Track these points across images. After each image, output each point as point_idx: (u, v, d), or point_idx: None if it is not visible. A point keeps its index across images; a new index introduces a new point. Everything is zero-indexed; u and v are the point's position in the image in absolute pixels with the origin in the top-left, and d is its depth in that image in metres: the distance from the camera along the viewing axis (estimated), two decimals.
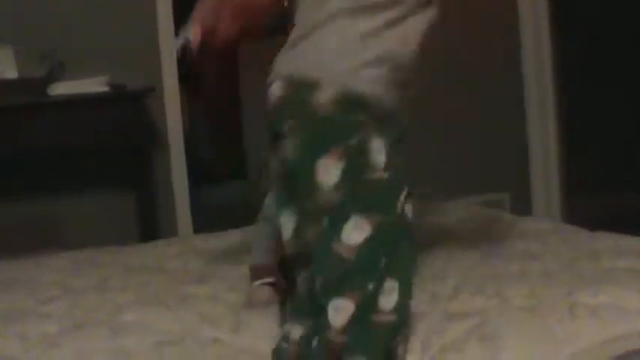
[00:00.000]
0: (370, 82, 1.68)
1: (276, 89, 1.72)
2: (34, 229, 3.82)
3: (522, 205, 4.64)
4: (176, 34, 3.93)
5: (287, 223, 1.65)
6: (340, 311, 1.57)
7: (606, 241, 2.48)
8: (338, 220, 1.58)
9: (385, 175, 1.65)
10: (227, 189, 6.42)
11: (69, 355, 1.85)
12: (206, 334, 1.95)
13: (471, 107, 4.60)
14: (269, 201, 2.19)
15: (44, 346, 1.91)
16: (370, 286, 1.58)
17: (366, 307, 1.59)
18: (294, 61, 1.73)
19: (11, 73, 3.65)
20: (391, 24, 1.71)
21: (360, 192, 1.61)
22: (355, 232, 1.59)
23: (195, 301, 2.21)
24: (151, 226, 3.72)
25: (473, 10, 4.55)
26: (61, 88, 3.57)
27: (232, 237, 2.94)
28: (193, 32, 1.90)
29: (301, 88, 1.66)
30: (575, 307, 1.90)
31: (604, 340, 1.81)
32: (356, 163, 1.61)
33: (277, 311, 2.06)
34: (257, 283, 2.18)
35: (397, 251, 1.65)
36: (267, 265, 2.17)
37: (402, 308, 1.64)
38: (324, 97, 1.64)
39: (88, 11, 3.90)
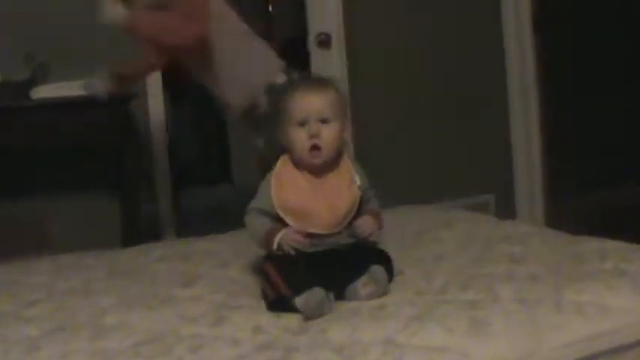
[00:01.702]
0: None
1: None
2: (16, 231, 3.81)
3: (507, 207, 4.67)
4: None
5: None
6: None
7: (590, 244, 2.50)
8: None
9: None
10: (211, 192, 6.42)
11: (49, 357, 1.84)
12: (185, 331, 1.95)
13: (454, 110, 4.63)
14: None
15: (25, 349, 1.90)
16: None
17: None
18: None
19: None
20: None
21: None
22: None
23: (177, 302, 2.20)
24: (134, 230, 3.70)
25: (456, 13, 4.58)
26: (43, 92, 3.55)
27: (217, 240, 2.95)
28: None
29: None
30: (561, 303, 1.93)
31: (588, 335, 1.83)
32: None
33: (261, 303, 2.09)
34: (280, 234, 2.15)
35: None
36: (279, 225, 2.17)
37: None
38: None
39: (71, 14, 3.89)
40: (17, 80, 3.58)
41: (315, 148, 2.18)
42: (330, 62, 4.24)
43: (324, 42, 4.23)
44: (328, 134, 2.18)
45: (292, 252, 2.11)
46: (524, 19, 4.67)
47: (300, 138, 2.18)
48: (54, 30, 3.86)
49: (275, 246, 2.13)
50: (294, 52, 5.94)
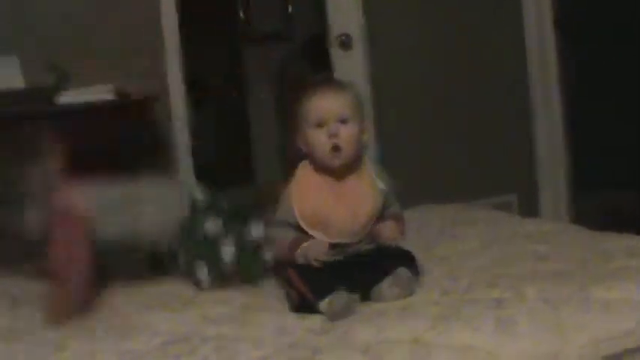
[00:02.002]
0: None
1: None
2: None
3: (530, 207, 4.64)
4: (181, 41, 3.97)
5: None
6: None
7: (616, 241, 2.48)
8: None
9: None
10: (233, 194, 6.42)
11: (75, 357, 1.85)
12: (210, 331, 1.96)
13: (477, 109, 4.61)
14: None
15: (51, 349, 1.92)
16: None
17: None
18: None
19: (18, 83, 3.66)
20: None
21: None
22: None
23: (201, 304, 2.21)
24: None
25: (476, 12, 4.57)
26: (68, 97, 3.57)
27: None
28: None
29: None
30: (588, 301, 1.91)
31: (615, 333, 1.81)
32: None
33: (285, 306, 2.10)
34: (303, 245, 2.14)
35: None
36: (301, 236, 2.16)
37: None
38: None
39: (93, 20, 3.92)
40: (41, 86, 3.60)
41: (335, 148, 2.17)
42: (351, 63, 4.23)
43: (345, 43, 4.23)
44: (347, 134, 2.17)
45: (315, 264, 2.10)
46: (545, 17, 4.64)
47: (319, 139, 2.17)
48: (76, 36, 3.88)
49: (297, 257, 2.13)
50: (315, 53, 5.96)
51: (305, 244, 2.13)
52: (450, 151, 4.56)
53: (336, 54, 4.26)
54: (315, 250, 2.10)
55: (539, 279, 2.13)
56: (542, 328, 1.79)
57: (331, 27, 4.26)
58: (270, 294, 2.26)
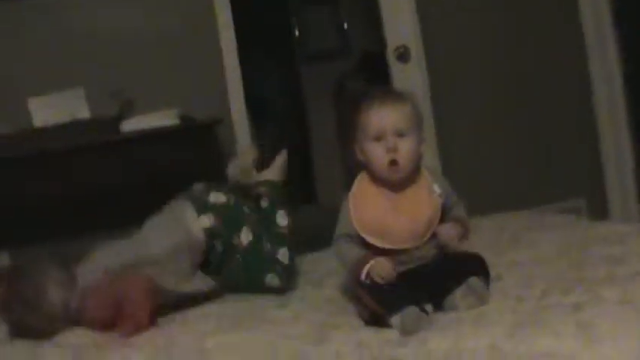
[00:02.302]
0: None
1: None
2: None
3: (599, 210, 4.57)
4: (240, 63, 4.00)
5: None
6: None
7: None
8: None
9: None
10: (297, 214, 6.43)
11: None
12: (289, 349, 1.96)
13: (539, 115, 4.56)
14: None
15: None
16: None
17: None
18: None
19: (84, 113, 3.74)
20: None
21: None
22: None
23: (276, 322, 2.22)
24: None
25: (534, 16, 4.52)
26: (132, 124, 3.63)
27: (307, 260, 2.97)
28: None
29: None
30: None
31: None
32: None
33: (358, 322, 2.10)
34: (368, 265, 2.11)
35: None
36: (367, 254, 2.15)
37: None
38: None
39: (154, 47, 3.98)
40: (106, 116, 3.67)
41: (393, 163, 2.16)
42: (409, 75, 4.22)
43: (403, 55, 4.22)
44: (405, 148, 2.16)
45: (381, 282, 2.07)
46: (603, 13, 4.55)
47: (377, 153, 2.17)
48: (138, 64, 3.95)
49: (363, 277, 2.10)
50: (372, 68, 5.96)
51: (370, 264, 2.10)
52: (513, 158, 4.51)
53: (394, 67, 4.26)
54: (381, 270, 2.08)
55: (617, 282, 2.09)
56: (625, 332, 1.75)
57: (388, 40, 4.26)
58: (344, 310, 2.26)
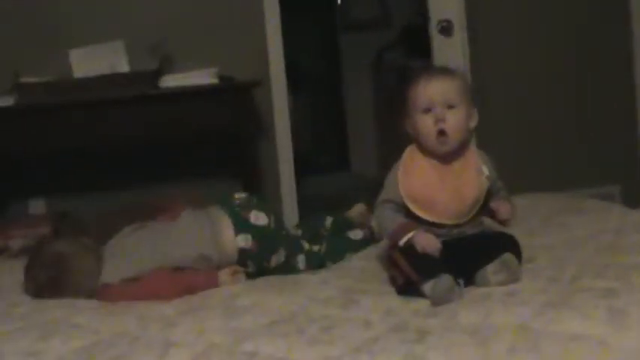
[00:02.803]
0: None
1: None
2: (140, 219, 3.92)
3: (633, 198, 4.53)
4: (282, 27, 4.00)
5: None
6: None
7: None
8: None
9: None
10: (329, 180, 6.45)
11: (186, 333, 1.90)
12: (316, 312, 1.97)
13: (578, 99, 4.51)
14: None
15: (162, 325, 1.97)
16: None
17: None
18: None
19: (123, 67, 3.75)
20: None
21: None
22: None
23: (306, 286, 2.24)
24: None
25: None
26: (171, 81, 3.64)
27: None
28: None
29: None
30: None
31: None
32: None
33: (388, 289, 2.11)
34: (411, 234, 2.11)
35: None
36: (410, 222, 2.15)
37: None
38: None
39: (196, 5, 3.98)
40: (145, 70, 3.68)
41: (442, 133, 2.16)
42: (451, 49, 4.18)
43: (446, 29, 4.18)
44: (454, 120, 2.16)
45: (421, 251, 2.08)
46: None
47: (426, 124, 2.17)
48: (179, 21, 3.95)
49: (402, 243, 2.11)
50: (413, 40, 5.93)
51: (413, 232, 2.10)
52: (550, 140, 4.48)
53: (436, 40, 4.22)
54: (426, 243, 2.08)
55: None
56: None
57: (432, 13, 4.22)
58: (373, 277, 2.26)
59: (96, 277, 2.32)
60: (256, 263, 2.43)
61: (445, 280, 1.97)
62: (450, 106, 2.16)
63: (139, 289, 2.26)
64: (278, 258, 2.45)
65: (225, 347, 1.80)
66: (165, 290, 2.23)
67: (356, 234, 2.71)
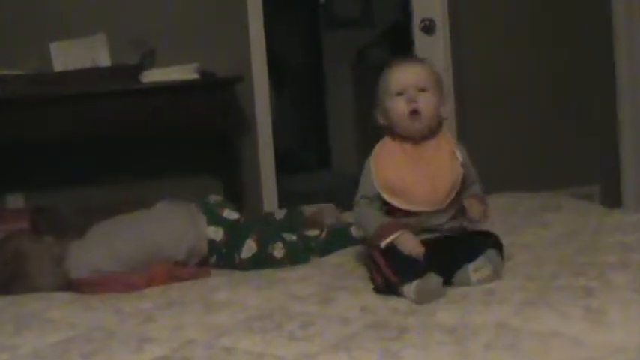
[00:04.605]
0: None
1: None
2: (121, 212, 3.90)
3: (612, 198, 4.55)
4: (265, 23, 3.99)
5: None
6: None
7: None
8: None
9: None
10: (310, 178, 6.44)
11: (163, 328, 1.89)
12: (294, 309, 1.97)
13: (560, 100, 4.53)
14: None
15: (140, 320, 1.96)
16: None
17: None
18: None
19: (105, 61, 3.73)
20: None
21: None
22: None
23: (285, 282, 2.23)
24: None
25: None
26: (152, 75, 3.62)
27: None
28: None
29: None
30: None
31: None
32: None
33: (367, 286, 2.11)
34: (395, 235, 2.11)
35: None
36: (392, 222, 2.15)
37: None
38: None
39: (180, 0, 3.96)
40: (127, 64, 3.66)
41: (414, 112, 2.18)
42: (434, 48, 4.20)
43: (429, 28, 4.19)
44: (426, 101, 2.19)
45: (405, 253, 2.08)
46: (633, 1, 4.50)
47: (399, 105, 2.20)
48: (161, 15, 3.93)
49: (384, 245, 2.10)
50: (395, 39, 5.93)
51: (397, 234, 2.10)
52: (529, 139, 4.49)
53: (418, 39, 4.23)
54: (409, 246, 2.08)
55: (628, 269, 2.09)
56: (635, 318, 1.75)
57: (414, 11, 4.23)
58: (352, 274, 2.26)
59: (57, 274, 2.34)
60: (226, 255, 2.46)
61: (434, 278, 1.97)
62: (422, 89, 2.20)
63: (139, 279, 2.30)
64: (249, 249, 2.46)
65: (203, 342, 1.79)
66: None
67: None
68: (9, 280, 2.35)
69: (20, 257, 2.38)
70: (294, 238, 2.56)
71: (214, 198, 2.73)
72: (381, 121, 2.26)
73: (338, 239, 2.62)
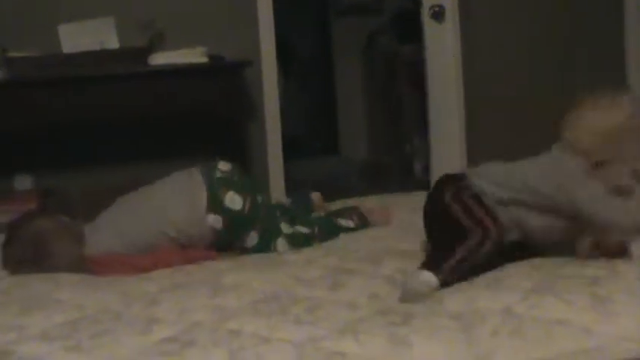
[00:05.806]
0: None
1: None
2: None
3: None
4: (274, 8, 3.96)
5: None
6: None
7: None
8: None
9: None
10: (317, 164, 6.43)
11: (169, 311, 1.89)
12: (301, 293, 1.97)
13: (570, 84, 4.51)
14: None
15: (145, 303, 1.96)
16: None
17: None
18: None
19: (113, 43, 3.72)
20: None
21: None
22: None
23: (291, 265, 2.24)
24: None
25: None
26: (161, 58, 3.61)
27: None
28: None
29: None
30: None
31: None
32: None
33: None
34: None
35: None
36: None
37: None
38: None
39: None
40: (135, 47, 3.65)
41: None
42: (443, 35, 4.18)
43: (438, 14, 4.17)
44: None
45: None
46: None
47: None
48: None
49: None
50: (404, 26, 5.91)
51: None
52: (545, 126, 4.46)
53: (427, 26, 4.21)
54: None
55: (635, 260, 2.08)
56: None
57: None
58: (361, 257, 2.26)
59: (75, 255, 2.33)
60: (227, 243, 2.47)
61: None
62: None
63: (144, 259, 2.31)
64: (251, 240, 2.46)
65: (209, 325, 1.79)
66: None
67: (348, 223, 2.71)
68: (32, 260, 2.34)
69: (42, 237, 2.37)
70: (294, 229, 2.56)
71: (223, 167, 2.61)
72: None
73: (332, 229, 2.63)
